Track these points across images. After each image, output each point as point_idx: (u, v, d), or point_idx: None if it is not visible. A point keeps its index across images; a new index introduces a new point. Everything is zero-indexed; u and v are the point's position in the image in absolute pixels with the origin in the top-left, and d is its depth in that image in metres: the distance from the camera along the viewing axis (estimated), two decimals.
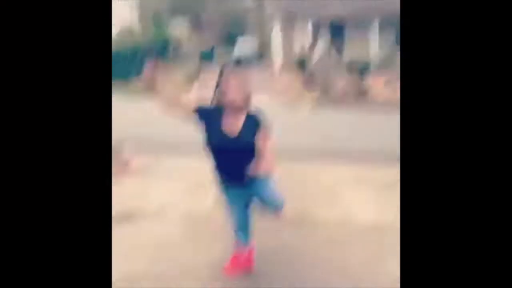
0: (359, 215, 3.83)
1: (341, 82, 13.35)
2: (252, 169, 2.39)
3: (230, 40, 29.39)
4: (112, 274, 2.63)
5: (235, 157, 2.45)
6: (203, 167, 4.63)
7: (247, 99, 2.45)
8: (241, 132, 2.41)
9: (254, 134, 2.42)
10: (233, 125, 2.42)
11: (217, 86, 2.46)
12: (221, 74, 2.49)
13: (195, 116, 2.46)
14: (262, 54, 24.24)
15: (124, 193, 4.25)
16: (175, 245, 3.19)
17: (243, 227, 2.76)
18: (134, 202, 3.98)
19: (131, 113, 8.41)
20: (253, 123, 2.43)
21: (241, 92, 2.41)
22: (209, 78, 16.33)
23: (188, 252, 3.07)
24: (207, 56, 21.82)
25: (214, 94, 2.50)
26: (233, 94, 2.38)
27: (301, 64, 15.66)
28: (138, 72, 12.22)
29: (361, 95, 12.05)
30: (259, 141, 2.41)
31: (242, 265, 2.82)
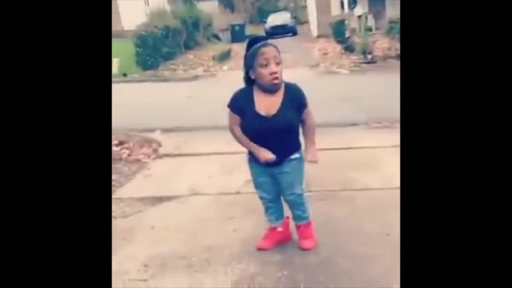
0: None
1: (382, 44, 12.74)
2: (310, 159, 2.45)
3: (261, 16, 29.05)
4: (141, 258, 2.57)
5: (269, 138, 2.36)
6: (232, 148, 4.72)
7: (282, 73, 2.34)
8: (280, 109, 2.32)
9: (295, 111, 2.37)
10: (268, 104, 2.33)
11: (249, 63, 2.32)
12: (248, 48, 2.34)
13: (229, 110, 2.43)
14: (297, 25, 23.76)
15: (157, 175, 4.18)
16: (209, 224, 3.09)
17: (273, 203, 2.62)
18: (167, 184, 3.90)
19: (159, 98, 8.33)
20: (295, 101, 2.36)
21: (279, 65, 2.30)
22: (242, 56, 16.38)
23: (221, 232, 2.95)
24: (238, 34, 21.61)
25: (245, 71, 2.38)
26: (275, 67, 2.27)
27: (339, 28, 15.10)
28: (168, 55, 12.34)
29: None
30: (306, 117, 2.43)
31: (277, 237, 2.68)
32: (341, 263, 2.46)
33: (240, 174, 3.91)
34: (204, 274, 2.44)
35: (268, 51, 2.28)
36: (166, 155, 4.78)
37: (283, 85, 2.37)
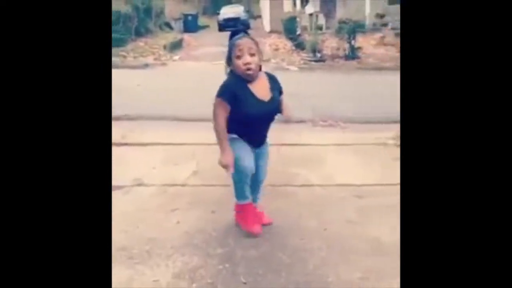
0: (342, 178, 3.77)
1: (331, 43, 13.06)
2: (287, 114, 2.60)
3: (214, 8, 28.81)
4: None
5: (265, 121, 2.59)
6: (180, 139, 4.72)
7: (259, 63, 2.50)
8: (271, 96, 2.52)
9: (279, 92, 2.60)
10: (261, 89, 2.50)
11: (229, 56, 2.48)
12: (232, 44, 2.46)
13: (225, 104, 2.43)
14: (249, 19, 23.80)
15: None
16: (153, 215, 3.08)
17: (249, 182, 2.69)
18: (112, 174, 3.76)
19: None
20: (276, 88, 2.58)
21: (254, 56, 2.43)
22: (193, 46, 16.30)
23: (167, 222, 2.96)
24: (190, 24, 21.33)
25: (227, 65, 2.54)
26: (248, 59, 2.40)
27: (291, 25, 15.31)
28: (119, 41, 11.93)
29: (351, 56, 11.72)
30: (283, 103, 2.63)
31: (257, 216, 2.82)
32: (280, 257, 2.54)
33: (186, 166, 3.93)
34: (145, 266, 2.44)
35: (242, 43, 2.42)
36: (112, 144, 4.67)
37: (264, 74, 2.57)
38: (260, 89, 2.50)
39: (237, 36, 2.47)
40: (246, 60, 2.40)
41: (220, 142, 2.49)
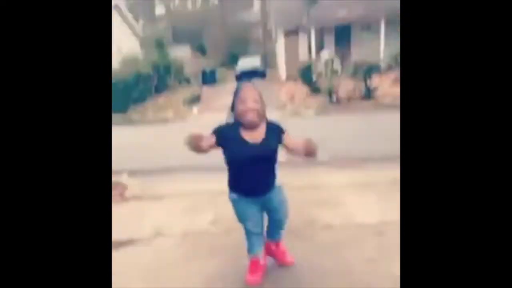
0: (362, 219, 3.72)
1: (347, 85, 13.22)
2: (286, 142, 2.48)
3: (232, 60, 29.68)
4: None
5: (257, 165, 2.45)
6: (198, 189, 4.79)
7: (262, 112, 2.46)
8: (264, 139, 2.44)
9: (277, 141, 2.47)
10: (255, 135, 2.44)
11: (233, 103, 2.48)
12: (236, 91, 2.50)
13: (213, 137, 2.44)
14: (266, 69, 24.38)
15: (122, 219, 4.15)
16: (175, 265, 3.09)
17: (258, 233, 2.68)
18: (132, 227, 3.90)
19: (126, 142, 8.34)
20: (275, 131, 2.49)
21: (257, 103, 2.42)
22: (212, 99, 16.72)
23: (188, 271, 2.97)
24: (209, 78, 21.97)
25: (230, 112, 2.52)
26: (251, 103, 2.40)
27: (306, 72, 15.60)
28: (138, 99, 12.35)
29: (367, 97, 11.81)
30: (287, 140, 2.49)
31: (261, 269, 2.78)
32: None
33: (205, 214, 3.96)
34: None
35: (245, 89, 2.45)
36: (132, 198, 4.77)
37: (264, 122, 2.50)
38: (253, 134, 2.45)
39: (240, 84, 2.52)
40: (248, 106, 2.39)
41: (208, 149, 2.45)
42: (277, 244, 2.89)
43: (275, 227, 2.79)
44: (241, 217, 2.63)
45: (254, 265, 2.74)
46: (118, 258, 3.25)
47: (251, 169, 2.44)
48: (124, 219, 4.11)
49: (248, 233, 2.67)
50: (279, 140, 2.49)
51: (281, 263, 2.88)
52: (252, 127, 2.44)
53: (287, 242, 3.19)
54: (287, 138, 2.52)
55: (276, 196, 2.63)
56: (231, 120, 2.55)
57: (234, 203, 2.60)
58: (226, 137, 2.44)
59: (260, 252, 2.73)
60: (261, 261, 2.75)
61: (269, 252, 2.89)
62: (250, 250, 2.72)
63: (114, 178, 5.42)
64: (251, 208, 2.58)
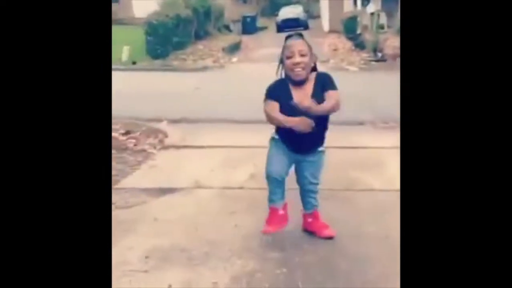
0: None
1: (393, 42, 12.65)
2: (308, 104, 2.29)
3: (274, 9, 28.82)
4: (143, 249, 2.62)
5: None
6: (238, 142, 4.76)
7: (310, 65, 2.44)
8: (313, 98, 2.37)
9: (324, 95, 2.40)
10: (303, 95, 2.39)
11: (282, 57, 2.47)
12: (284, 46, 2.46)
13: (269, 100, 2.46)
14: (308, 19, 23.61)
15: (162, 166, 4.21)
16: (212, 217, 3.12)
17: (281, 183, 2.61)
18: (171, 176, 3.93)
19: (167, 88, 8.33)
20: (322, 86, 2.42)
21: (305, 57, 2.39)
22: (251, 48, 16.44)
23: (225, 225, 2.98)
24: (249, 26, 21.52)
25: (279, 66, 2.52)
26: (298, 58, 2.37)
27: (351, 25, 15.01)
28: (178, 45, 12.29)
29: None
30: (328, 96, 2.39)
31: (279, 219, 2.68)
32: (339, 264, 2.48)
33: (244, 169, 3.95)
34: (204, 267, 2.47)
35: (293, 44, 2.41)
36: (172, 146, 4.81)
37: (314, 76, 2.46)
38: (303, 94, 2.40)
39: (288, 38, 2.46)
40: (295, 61, 2.37)
41: (287, 123, 2.39)
42: (314, 216, 2.79)
43: (309, 191, 2.71)
44: (270, 159, 2.57)
45: (272, 215, 2.66)
46: (158, 206, 3.32)
47: (297, 132, 2.39)
48: (164, 167, 4.17)
49: (270, 179, 2.57)
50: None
51: (321, 236, 2.74)
52: (297, 83, 2.43)
53: (326, 204, 3.15)
54: (329, 94, 2.39)
55: (317, 160, 2.63)
56: (281, 75, 2.53)
57: (272, 142, 2.59)
58: (277, 95, 2.45)
59: (280, 202, 2.64)
60: (280, 211, 2.66)
61: (306, 225, 2.81)
62: (269, 198, 2.65)
63: (153, 125, 5.48)
64: (285, 157, 2.55)
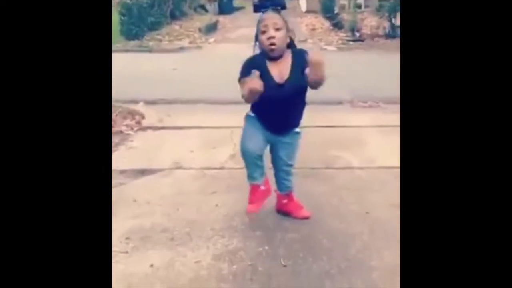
0: (383, 161, 3.65)
1: (371, 22, 12.66)
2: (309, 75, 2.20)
3: None
4: (123, 231, 2.61)
5: (282, 105, 2.36)
6: (217, 122, 4.72)
7: (285, 39, 2.35)
8: (290, 76, 2.33)
9: (303, 72, 2.28)
10: (280, 70, 2.34)
11: (257, 32, 2.37)
12: (259, 21, 2.37)
13: (242, 71, 2.36)
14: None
15: (140, 148, 4.15)
16: (192, 198, 3.10)
17: (259, 159, 2.55)
18: (150, 157, 3.88)
19: (143, 69, 8.17)
20: (301, 62, 2.29)
21: (280, 31, 2.30)
22: (228, 29, 16.22)
23: (206, 205, 2.97)
24: (226, 6, 21.17)
25: (255, 42, 2.42)
26: (273, 32, 2.28)
27: (328, 5, 14.92)
28: (153, 25, 11.94)
29: (392, 36, 11.32)
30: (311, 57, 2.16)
31: (262, 195, 2.65)
32: (321, 240, 2.50)
33: (223, 149, 3.92)
34: (186, 248, 2.46)
35: (267, 17, 2.32)
36: (149, 128, 4.73)
37: (289, 51, 2.38)
38: (279, 70, 2.34)
39: (262, 12, 2.36)
40: (269, 35, 2.27)
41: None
42: (289, 197, 2.76)
43: (284, 172, 2.65)
44: (245, 135, 2.50)
45: (253, 192, 2.61)
46: (139, 186, 3.27)
47: (275, 108, 2.36)
48: (142, 148, 4.10)
49: (246, 156, 2.50)
50: (301, 76, 2.29)
51: (296, 217, 2.74)
52: (275, 57, 2.34)
53: (306, 183, 3.16)
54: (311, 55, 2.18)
55: (293, 142, 2.56)
56: (257, 51, 2.43)
57: (247, 119, 2.52)
58: (253, 69, 2.32)
59: (261, 178, 2.59)
60: (262, 187, 2.61)
61: (281, 207, 2.78)
62: (250, 176, 2.58)
63: (130, 106, 5.37)
64: (260, 134, 2.47)
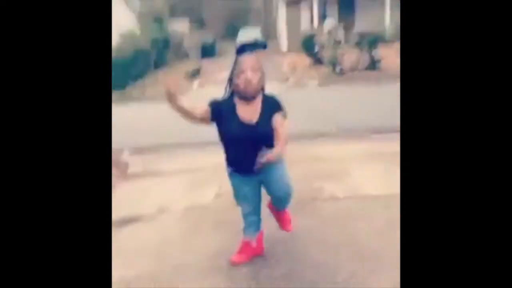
0: (367, 190, 3.67)
1: (351, 56, 12.96)
2: (265, 157, 2.25)
3: (232, 32, 29.18)
4: (114, 278, 2.44)
5: (252, 145, 2.33)
6: (202, 164, 4.71)
7: (261, 81, 2.37)
8: (259, 119, 2.33)
9: (272, 118, 2.34)
10: (250, 112, 2.34)
11: (232, 74, 2.38)
12: (235, 62, 2.39)
13: (209, 111, 2.36)
14: (267, 40, 23.99)
15: (124, 197, 4.12)
16: (178, 241, 3.07)
17: (253, 214, 2.60)
18: (135, 205, 3.86)
19: (127, 119, 8.23)
20: (270, 107, 2.36)
21: (257, 73, 2.32)
22: (212, 72, 16.50)
23: (192, 247, 2.94)
24: (208, 51, 21.63)
25: (228, 84, 2.43)
26: (249, 73, 2.29)
27: (308, 43, 15.29)
28: (137, 76, 12.16)
29: (372, 68, 11.58)
30: (276, 124, 2.32)
31: (252, 251, 2.67)
32: (307, 273, 2.46)
33: (209, 189, 3.90)
34: None
35: (244, 59, 2.34)
36: (134, 175, 4.72)
37: (261, 95, 2.38)
38: (249, 112, 2.34)
39: (240, 54, 2.40)
40: (247, 76, 2.28)
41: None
42: (283, 211, 2.74)
43: (277, 202, 2.64)
44: (237, 195, 2.56)
45: (244, 247, 2.66)
46: (121, 236, 3.22)
47: (245, 148, 2.33)
48: (126, 197, 4.07)
49: (242, 212, 2.60)
50: (275, 117, 2.34)
51: (283, 229, 2.76)
52: (248, 98, 2.33)
53: (292, 214, 3.13)
54: (278, 119, 2.34)
55: (275, 173, 2.46)
56: (229, 93, 2.44)
57: (231, 177, 2.53)
58: (220, 111, 2.36)
59: (254, 233, 2.64)
60: (253, 244, 2.65)
61: (274, 214, 2.77)
62: (244, 230, 2.65)
63: (115, 156, 5.35)
64: (247, 185, 2.49)
